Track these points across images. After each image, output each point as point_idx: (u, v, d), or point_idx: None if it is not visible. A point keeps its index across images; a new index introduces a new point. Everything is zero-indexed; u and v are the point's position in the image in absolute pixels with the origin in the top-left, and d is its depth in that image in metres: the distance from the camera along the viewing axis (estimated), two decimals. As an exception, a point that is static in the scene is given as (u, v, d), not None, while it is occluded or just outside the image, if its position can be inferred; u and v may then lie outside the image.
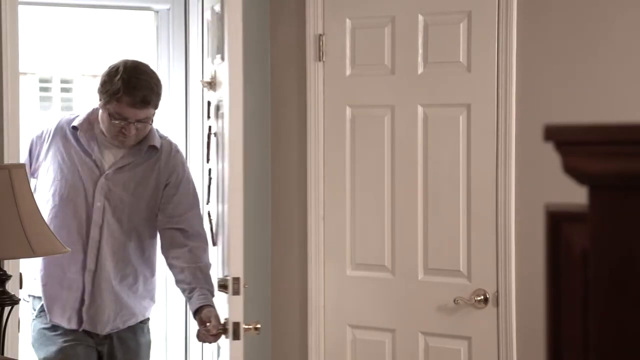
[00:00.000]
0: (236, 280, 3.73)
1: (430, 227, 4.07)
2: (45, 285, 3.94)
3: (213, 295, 3.85)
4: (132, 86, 3.75)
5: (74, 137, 3.91)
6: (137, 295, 3.98)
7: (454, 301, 4.02)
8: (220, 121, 4.08)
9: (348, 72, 4.22)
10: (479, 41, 3.96)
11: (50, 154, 3.92)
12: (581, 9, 3.83)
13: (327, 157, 4.26)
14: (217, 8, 4.09)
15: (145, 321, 4.08)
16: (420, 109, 4.09)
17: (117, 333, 3.97)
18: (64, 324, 3.92)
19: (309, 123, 4.29)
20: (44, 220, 3.57)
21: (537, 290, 3.68)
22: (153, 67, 4.81)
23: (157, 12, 4.78)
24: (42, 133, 3.98)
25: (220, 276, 3.85)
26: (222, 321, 3.73)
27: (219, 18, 4.02)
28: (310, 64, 4.27)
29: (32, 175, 3.98)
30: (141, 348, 4.04)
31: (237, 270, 3.75)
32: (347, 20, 4.21)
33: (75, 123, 3.91)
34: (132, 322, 4.00)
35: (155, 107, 3.82)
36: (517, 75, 3.91)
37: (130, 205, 3.89)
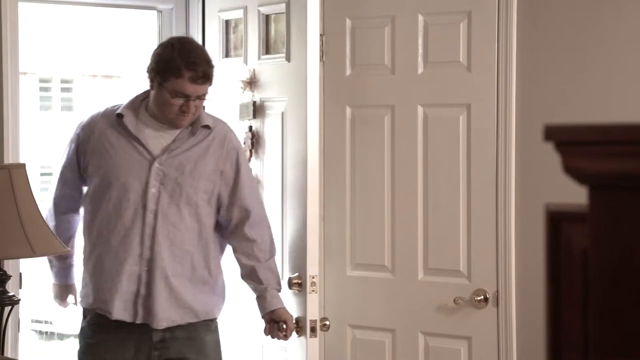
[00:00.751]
0: (314, 279, 3.95)
1: (430, 227, 4.07)
2: (100, 279, 3.78)
3: (280, 291, 3.94)
4: (192, 61, 3.67)
5: (120, 125, 3.80)
6: (195, 288, 3.81)
7: (454, 301, 4.02)
8: (267, 120, 4.20)
9: (348, 72, 4.22)
10: (479, 41, 3.96)
11: (100, 146, 3.80)
12: (581, 9, 3.83)
13: (327, 157, 4.25)
14: (264, 9, 4.18)
15: (213, 320, 3.89)
16: (420, 109, 4.09)
17: (178, 331, 3.79)
18: (125, 317, 3.74)
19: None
20: (44, 220, 3.57)
21: (537, 290, 3.68)
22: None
23: (160, 11, 4.78)
24: (89, 126, 3.85)
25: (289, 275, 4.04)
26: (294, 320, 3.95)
27: (265, 19, 4.23)
28: (310, 64, 4.27)
29: (83, 175, 3.85)
30: (207, 346, 3.85)
31: (314, 269, 3.97)
32: (347, 20, 4.21)
33: (119, 111, 3.80)
34: (192, 319, 3.81)
35: (211, 82, 3.75)
36: (517, 75, 3.91)
37: (188, 188, 3.78)
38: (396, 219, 4.13)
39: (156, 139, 3.80)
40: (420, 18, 4.07)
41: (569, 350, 1.30)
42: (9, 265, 3.86)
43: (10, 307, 3.58)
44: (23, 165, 3.57)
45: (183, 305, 3.78)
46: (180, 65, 3.66)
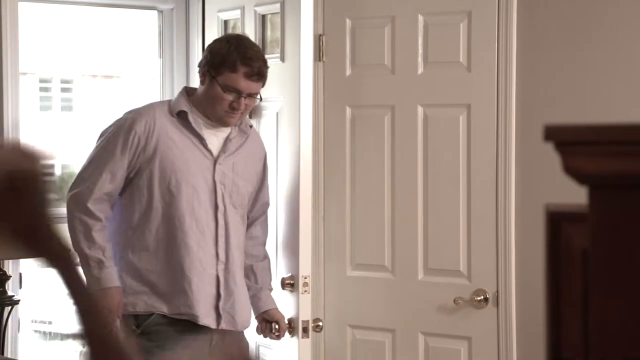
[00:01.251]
0: (306, 279, 3.95)
1: (430, 227, 4.07)
2: (179, 282, 3.64)
3: (271, 292, 3.94)
4: (247, 57, 3.64)
5: (180, 122, 3.69)
6: (245, 289, 3.84)
7: (454, 301, 4.02)
8: (262, 120, 4.19)
9: (348, 72, 4.22)
10: (479, 41, 3.96)
11: (163, 144, 3.65)
12: (581, 10, 3.83)
13: (327, 157, 4.26)
14: (261, 10, 4.18)
15: None
16: (420, 109, 4.09)
17: (227, 336, 3.74)
18: (210, 323, 3.67)
19: (309, 123, 4.30)
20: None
21: (537, 290, 3.68)
22: (156, 66, 4.83)
23: (160, 11, 4.78)
24: (146, 122, 3.65)
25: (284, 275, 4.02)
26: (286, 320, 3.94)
27: (262, 19, 4.23)
28: (310, 64, 4.27)
29: (130, 173, 3.63)
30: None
31: (307, 270, 3.96)
32: (347, 20, 4.21)
33: (181, 107, 3.69)
34: (251, 322, 3.85)
35: (264, 83, 3.72)
36: (517, 75, 3.91)
37: (241, 189, 3.77)
38: (396, 218, 4.14)
39: (212, 137, 3.74)
40: (420, 18, 4.07)
41: (569, 350, 1.30)
42: (9, 265, 3.86)
43: (10, 307, 3.58)
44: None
45: (249, 308, 3.84)
46: (236, 59, 3.63)
